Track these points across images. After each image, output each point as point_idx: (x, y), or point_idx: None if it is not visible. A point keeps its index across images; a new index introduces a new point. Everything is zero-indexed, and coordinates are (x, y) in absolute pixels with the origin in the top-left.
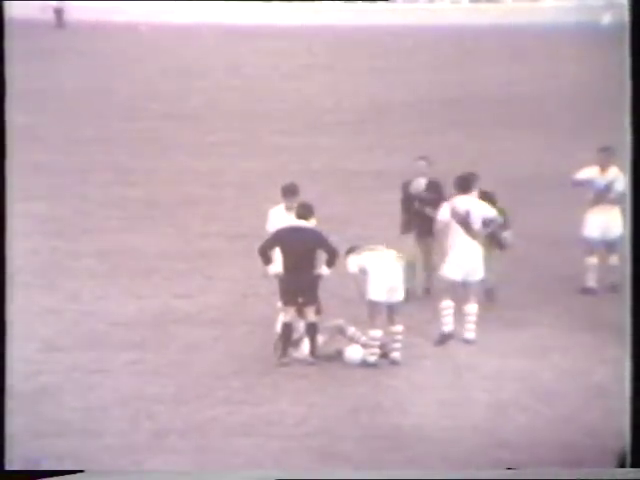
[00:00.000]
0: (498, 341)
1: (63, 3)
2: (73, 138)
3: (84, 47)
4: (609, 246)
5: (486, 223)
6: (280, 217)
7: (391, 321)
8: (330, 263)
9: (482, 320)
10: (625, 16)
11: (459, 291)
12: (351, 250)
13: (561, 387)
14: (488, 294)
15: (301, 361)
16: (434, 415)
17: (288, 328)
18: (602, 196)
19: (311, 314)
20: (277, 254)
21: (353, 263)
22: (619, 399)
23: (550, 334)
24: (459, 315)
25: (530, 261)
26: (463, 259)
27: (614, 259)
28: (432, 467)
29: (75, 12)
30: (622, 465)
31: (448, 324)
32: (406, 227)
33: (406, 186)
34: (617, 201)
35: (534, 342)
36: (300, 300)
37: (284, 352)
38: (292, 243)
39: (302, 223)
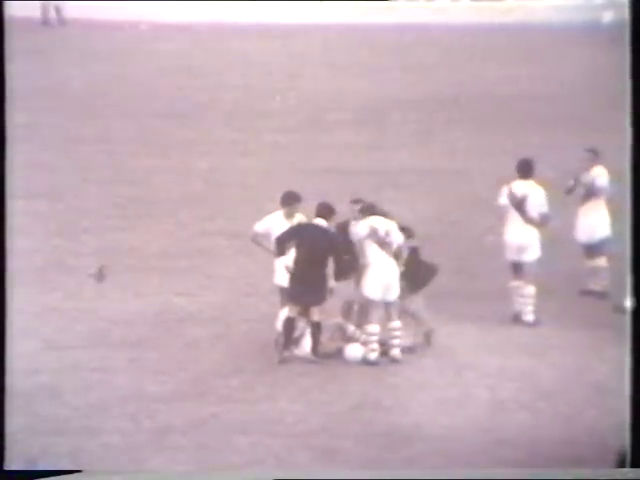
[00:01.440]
0: (498, 339)
1: (63, 2)
2: (73, 136)
3: (84, 46)
4: (596, 248)
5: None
6: (277, 224)
7: (388, 317)
8: (336, 275)
9: (482, 319)
10: (626, 15)
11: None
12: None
13: (561, 385)
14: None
15: (302, 359)
16: (434, 413)
17: (291, 323)
18: (587, 193)
19: (317, 313)
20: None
21: (364, 226)
22: (619, 398)
23: (550, 332)
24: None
25: None
26: (517, 240)
27: (602, 261)
28: (432, 465)
29: (75, 11)
30: (622, 464)
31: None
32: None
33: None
34: (599, 196)
35: (534, 340)
36: (307, 298)
37: (286, 347)
38: (309, 240)
39: (323, 223)
